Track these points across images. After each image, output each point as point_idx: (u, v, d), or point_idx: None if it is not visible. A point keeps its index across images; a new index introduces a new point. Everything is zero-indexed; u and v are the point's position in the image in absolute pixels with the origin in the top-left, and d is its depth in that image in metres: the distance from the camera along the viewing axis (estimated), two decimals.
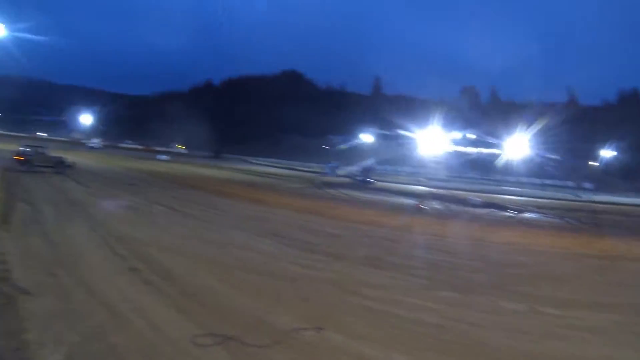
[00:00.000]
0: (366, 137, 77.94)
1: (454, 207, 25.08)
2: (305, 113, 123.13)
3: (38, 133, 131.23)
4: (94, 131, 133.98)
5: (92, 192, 17.83)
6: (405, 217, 19.50)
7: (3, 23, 39.62)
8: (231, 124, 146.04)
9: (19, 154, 24.51)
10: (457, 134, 68.42)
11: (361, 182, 41.42)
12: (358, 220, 16.49)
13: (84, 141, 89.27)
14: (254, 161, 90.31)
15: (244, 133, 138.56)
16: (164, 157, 69.72)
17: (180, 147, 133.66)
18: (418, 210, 22.75)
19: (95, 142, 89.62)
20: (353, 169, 54.76)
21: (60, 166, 25.02)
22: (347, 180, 44.55)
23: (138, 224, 11.44)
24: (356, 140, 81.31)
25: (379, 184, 41.43)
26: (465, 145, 71.15)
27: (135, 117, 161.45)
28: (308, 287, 6.99)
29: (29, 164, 24.06)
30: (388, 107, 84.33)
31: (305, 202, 22.44)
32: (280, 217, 15.63)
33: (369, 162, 57.52)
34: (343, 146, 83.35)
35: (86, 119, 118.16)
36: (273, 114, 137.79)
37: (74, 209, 13.09)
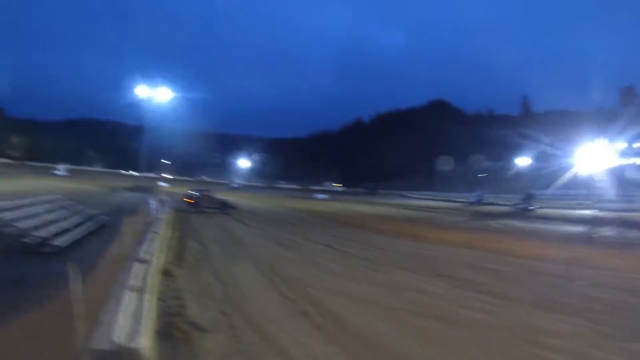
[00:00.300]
0: (522, 161, 72.57)
1: (629, 233, 21.74)
2: (456, 142, 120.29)
3: (203, 177, 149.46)
4: (251, 174, 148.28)
5: (254, 231, 19.23)
6: (574, 249, 17.28)
7: (169, 87, 48.78)
8: (384, 159, 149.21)
9: (188, 196, 28.08)
10: (622, 145, 59.63)
11: (521, 210, 40.19)
12: (523, 254, 15.21)
13: (229, 182, 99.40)
14: (410, 195, 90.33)
15: (398, 167, 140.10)
16: (321, 195, 73.17)
17: (336, 185, 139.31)
18: (588, 240, 20.36)
19: (237, 182, 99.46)
20: (511, 196, 53.66)
21: (224, 207, 27.76)
22: (506, 209, 44.04)
23: (301, 264, 11.82)
24: (512, 165, 76.67)
25: (540, 210, 39.47)
26: (633, 157, 62.35)
27: (292, 158, 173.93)
28: (481, 333, 6.40)
29: (197, 205, 27.42)
30: (540, 125, 78.03)
31: (465, 235, 21.64)
32: (442, 253, 15.11)
33: (527, 188, 55.65)
34: (499, 172, 79.67)
35: (244, 162, 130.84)
36: (424, 145, 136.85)
37: (239, 247, 14.16)
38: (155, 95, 49.95)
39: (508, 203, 48.85)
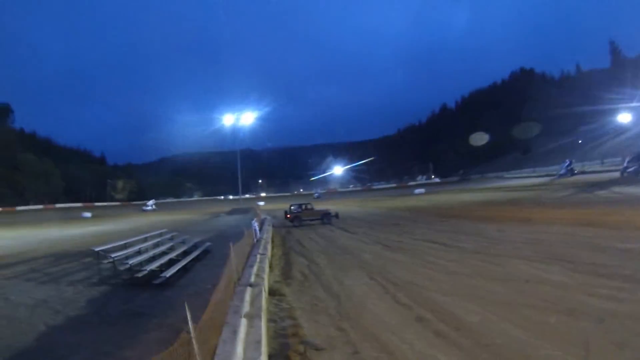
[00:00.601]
0: (622, 117, 65.15)
1: None
2: (548, 110, 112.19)
3: (300, 190, 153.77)
4: (347, 179, 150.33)
5: (359, 237, 19.15)
6: None
7: (253, 110, 51.91)
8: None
9: (288, 212, 28.68)
10: None
11: (633, 174, 37.09)
12: None
13: (314, 193, 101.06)
14: (507, 176, 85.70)
15: (491, 147, 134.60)
16: (419, 190, 72.14)
17: (432, 177, 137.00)
18: None
19: (318, 192, 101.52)
20: (618, 159, 50.50)
21: (326, 217, 27.97)
22: (614, 175, 41.10)
23: (412, 265, 11.52)
24: (611, 124, 69.60)
25: None
26: None
27: (384, 157, 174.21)
28: (618, 326, 5.80)
29: (299, 219, 27.91)
30: (636, 72, 70.12)
31: (576, 211, 20.32)
32: (556, 235, 14.15)
33: (634, 147, 50.96)
34: (598, 135, 74.12)
35: (338, 169, 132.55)
36: (514, 120, 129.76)
37: (346, 257, 14.11)
38: (241, 120, 53.55)
39: (615, 168, 45.71)
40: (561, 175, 56.03)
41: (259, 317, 5.68)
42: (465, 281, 9.22)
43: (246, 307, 5.99)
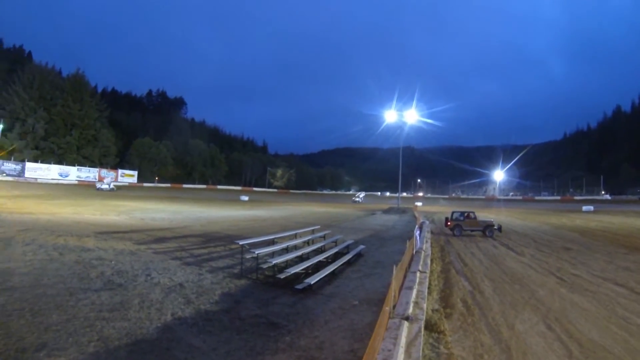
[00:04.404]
0: None
1: None
2: None
3: (457, 194, 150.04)
4: (509, 186, 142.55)
5: (527, 262, 16.86)
6: None
7: (416, 109, 53.12)
8: None
9: (450, 219, 27.05)
10: None
11: None
12: None
13: (355, 197, 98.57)
14: None
15: None
16: (587, 207, 64.42)
17: (602, 193, 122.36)
18: None
19: (361, 196, 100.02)
20: None
21: (488, 230, 25.89)
22: None
23: (598, 318, 9.18)
24: None
25: None
26: None
27: (548, 165, 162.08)
28: None
29: (459, 228, 26.28)
30: None
31: None
32: None
33: None
34: None
35: (499, 175, 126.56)
36: None
37: (515, 287, 12.21)
38: (404, 118, 54.27)
39: None
40: None
41: None
42: None
43: (400, 356, 4.79)
